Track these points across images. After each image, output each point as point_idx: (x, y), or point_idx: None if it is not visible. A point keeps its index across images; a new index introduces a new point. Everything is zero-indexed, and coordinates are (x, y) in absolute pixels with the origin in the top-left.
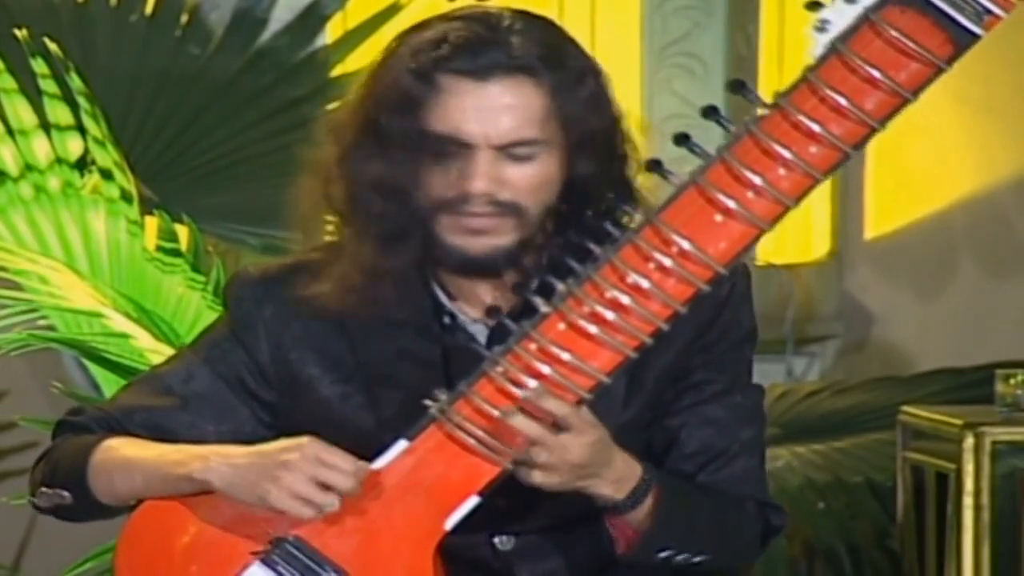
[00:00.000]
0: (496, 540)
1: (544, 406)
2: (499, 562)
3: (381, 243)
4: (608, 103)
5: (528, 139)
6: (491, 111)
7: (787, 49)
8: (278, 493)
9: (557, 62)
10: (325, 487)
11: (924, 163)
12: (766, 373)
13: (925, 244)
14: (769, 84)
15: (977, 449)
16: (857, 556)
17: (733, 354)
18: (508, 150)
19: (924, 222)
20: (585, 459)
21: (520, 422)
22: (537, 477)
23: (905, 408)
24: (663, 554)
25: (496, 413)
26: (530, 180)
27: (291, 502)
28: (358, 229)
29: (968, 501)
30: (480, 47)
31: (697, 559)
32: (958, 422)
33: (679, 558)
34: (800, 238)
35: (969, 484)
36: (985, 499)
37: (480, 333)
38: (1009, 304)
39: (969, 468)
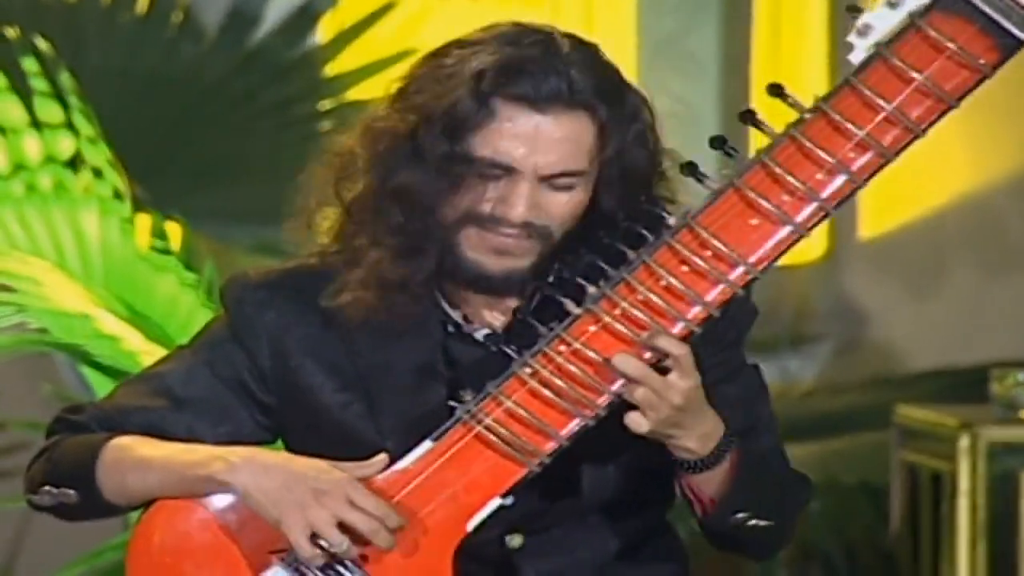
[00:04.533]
0: (506, 538)
1: (658, 344)
2: (505, 559)
3: (396, 254)
4: (652, 142)
5: (574, 171)
6: (544, 142)
7: (781, 48)
8: (295, 522)
9: (615, 99)
10: (346, 527)
11: (918, 163)
12: None
13: (919, 244)
14: (763, 83)
15: (972, 449)
16: (852, 556)
17: (739, 338)
18: (552, 180)
19: (918, 222)
20: (683, 402)
21: (623, 361)
22: (634, 417)
23: (900, 408)
24: (738, 516)
25: (522, 411)
26: (565, 208)
27: (303, 537)
28: (375, 237)
29: (963, 501)
30: (542, 75)
31: (764, 523)
32: (953, 422)
33: (751, 523)
34: None
35: (964, 484)
36: (980, 499)
37: (496, 335)
38: (1004, 303)
39: (964, 468)
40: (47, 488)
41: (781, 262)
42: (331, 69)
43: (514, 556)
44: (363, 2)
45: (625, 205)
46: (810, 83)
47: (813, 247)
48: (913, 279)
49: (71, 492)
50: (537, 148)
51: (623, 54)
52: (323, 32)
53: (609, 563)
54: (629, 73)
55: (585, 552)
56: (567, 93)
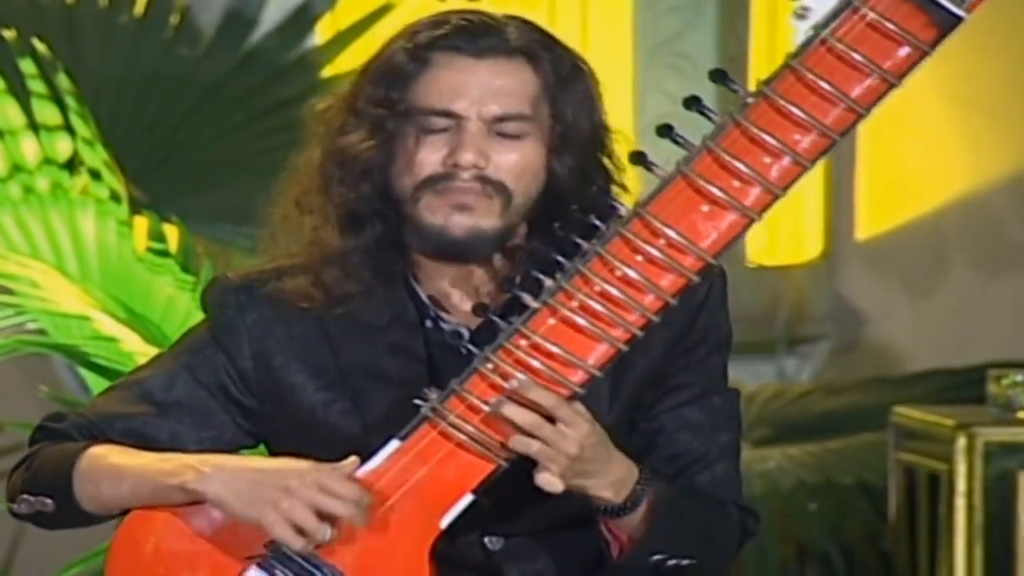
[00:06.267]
0: (486, 540)
1: (531, 396)
2: (489, 562)
3: (342, 225)
4: (597, 106)
5: (518, 114)
6: (485, 87)
7: (778, 49)
8: (275, 518)
9: (553, 51)
10: (323, 515)
11: (915, 163)
12: (757, 374)
13: (917, 244)
14: (760, 84)
15: (969, 450)
16: (849, 557)
17: (711, 358)
18: (498, 125)
19: (916, 222)
20: (580, 452)
21: (512, 411)
22: (545, 477)
23: (897, 409)
24: (655, 558)
25: (486, 407)
26: (517, 162)
27: (285, 530)
28: (325, 214)
29: (960, 502)
30: (479, 32)
31: (685, 563)
32: (950, 423)
33: (670, 562)
34: (792, 239)
35: (961, 485)
36: (977, 500)
37: (459, 331)
38: (1001, 304)
39: (961, 469)
40: (25, 496)
41: (778, 263)
42: (329, 71)
43: (497, 558)
44: (361, 4)
45: (575, 172)
46: None
47: (810, 248)
48: (910, 280)
49: (48, 501)
50: (479, 92)
51: (620, 56)
52: (321, 33)
53: (596, 564)
54: (626, 75)
55: (570, 553)
56: (504, 44)
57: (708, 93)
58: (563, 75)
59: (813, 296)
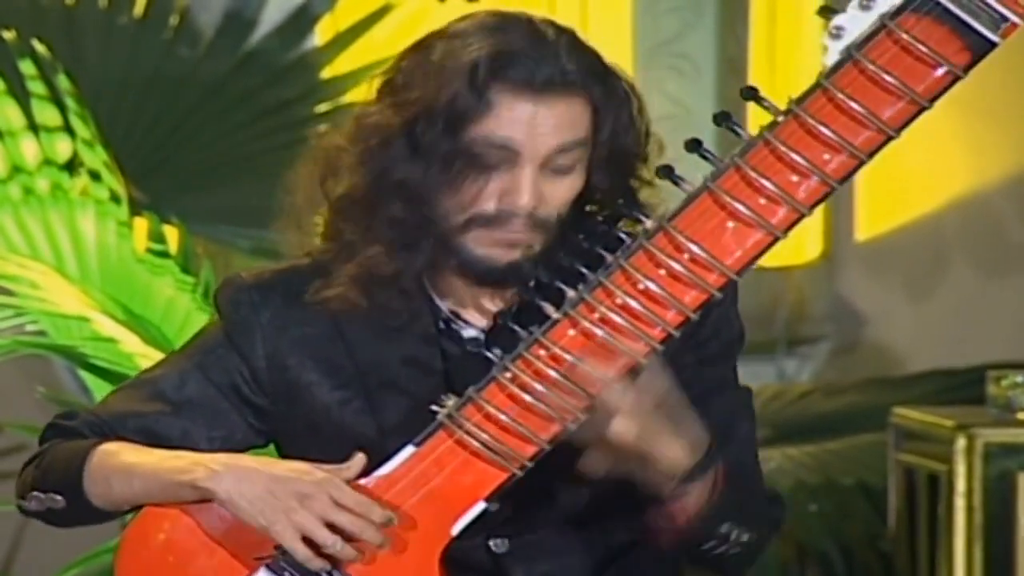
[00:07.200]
0: (491, 543)
1: (623, 347)
2: (494, 564)
3: (393, 248)
4: (640, 126)
5: (572, 151)
6: (544, 127)
7: (777, 50)
8: (284, 528)
9: (605, 82)
10: (335, 528)
11: (915, 165)
12: (757, 374)
13: (916, 245)
14: (759, 85)
15: (969, 450)
16: (849, 558)
17: (723, 354)
18: (552, 161)
19: (915, 223)
20: (661, 400)
21: (597, 365)
22: (617, 425)
23: (897, 409)
24: (723, 529)
25: (503, 416)
26: (564, 194)
27: (296, 541)
28: (369, 231)
29: (960, 502)
30: (534, 62)
31: (745, 537)
32: (950, 423)
33: (733, 535)
34: (791, 240)
35: (961, 485)
36: (977, 500)
37: (478, 338)
38: (1001, 305)
39: (961, 469)
40: (35, 493)
41: (778, 264)
42: (328, 71)
43: (502, 560)
44: (360, 5)
45: (611, 187)
46: (806, 86)
47: (810, 249)
48: (910, 281)
49: (58, 497)
50: (537, 131)
51: (619, 56)
52: (320, 34)
53: (601, 566)
54: None
55: (575, 555)
56: (560, 78)
57: (708, 94)
58: (613, 104)
59: (813, 297)
